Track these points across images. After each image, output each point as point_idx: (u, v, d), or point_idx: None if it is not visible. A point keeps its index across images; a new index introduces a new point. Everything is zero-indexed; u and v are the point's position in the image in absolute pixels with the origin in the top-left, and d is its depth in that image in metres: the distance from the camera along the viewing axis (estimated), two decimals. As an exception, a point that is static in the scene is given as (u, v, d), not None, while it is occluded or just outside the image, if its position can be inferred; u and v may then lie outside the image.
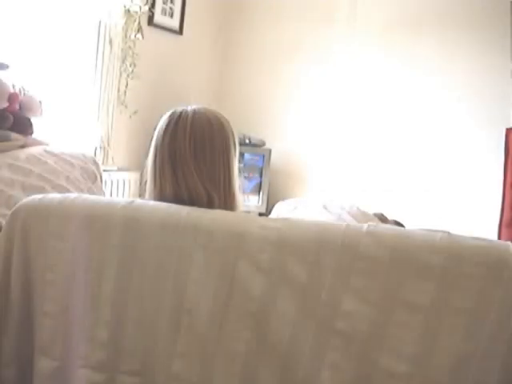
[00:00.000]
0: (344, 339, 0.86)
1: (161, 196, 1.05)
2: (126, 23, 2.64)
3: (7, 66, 1.82)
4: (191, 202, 1.01)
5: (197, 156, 1.03)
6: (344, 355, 0.86)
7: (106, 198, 1.20)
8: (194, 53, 3.22)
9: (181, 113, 1.06)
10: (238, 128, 1.22)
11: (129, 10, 2.63)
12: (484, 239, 0.84)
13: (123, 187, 2.79)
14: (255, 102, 3.19)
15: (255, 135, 3.06)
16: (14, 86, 1.84)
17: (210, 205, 1.02)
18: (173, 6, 3.05)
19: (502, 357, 0.80)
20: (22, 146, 1.80)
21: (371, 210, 2.85)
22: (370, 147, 2.94)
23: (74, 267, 1.02)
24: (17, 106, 1.82)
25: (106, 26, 2.65)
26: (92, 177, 1.79)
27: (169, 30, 3.04)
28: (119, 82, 2.69)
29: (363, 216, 1.50)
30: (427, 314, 0.83)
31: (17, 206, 1.08)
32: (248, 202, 2.91)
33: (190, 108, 1.07)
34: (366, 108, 2.95)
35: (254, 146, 3.06)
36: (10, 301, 1.06)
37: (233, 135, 1.09)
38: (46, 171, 1.64)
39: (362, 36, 2.95)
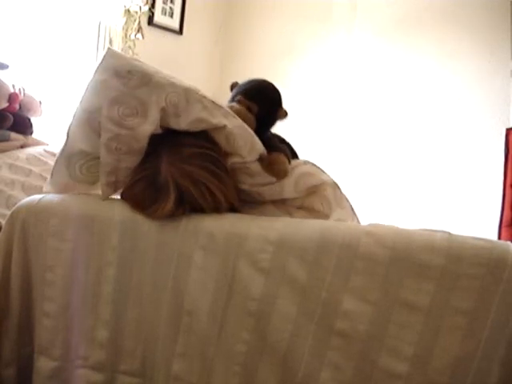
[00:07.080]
0: (344, 339, 0.86)
1: None
2: (126, 23, 2.64)
3: (7, 66, 1.83)
4: None
5: None
6: (344, 355, 0.86)
7: (105, 198, 1.19)
8: (193, 53, 3.22)
9: None
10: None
11: (129, 10, 2.63)
12: (484, 239, 0.84)
13: (123, 187, 2.78)
14: (255, 101, 3.18)
15: (255, 135, 3.05)
16: (13, 86, 1.84)
17: None
18: (173, 6, 3.05)
19: (501, 357, 0.80)
20: (22, 146, 1.80)
21: (371, 210, 2.85)
22: (368, 147, 2.93)
23: (74, 267, 1.02)
24: (17, 106, 1.82)
25: (105, 26, 2.65)
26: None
27: (169, 30, 3.04)
28: (119, 81, 2.69)
29: None
30: (427, 314, 0.82)
31: (17, 206, 1.08)
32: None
33: None
34: (365, 108, 2.95)
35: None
36: (10, 301, 1.05)
37: None
38: (46, 171, 1.65)
39: (361, 36, 2.95)
